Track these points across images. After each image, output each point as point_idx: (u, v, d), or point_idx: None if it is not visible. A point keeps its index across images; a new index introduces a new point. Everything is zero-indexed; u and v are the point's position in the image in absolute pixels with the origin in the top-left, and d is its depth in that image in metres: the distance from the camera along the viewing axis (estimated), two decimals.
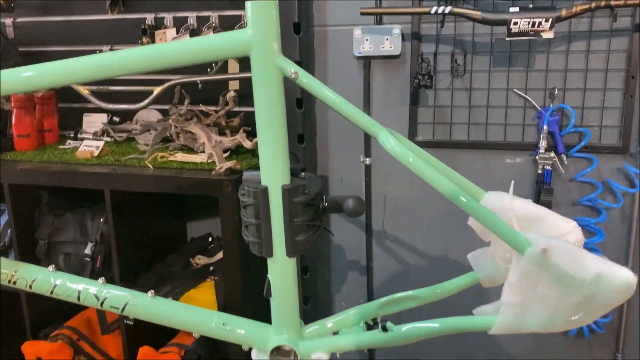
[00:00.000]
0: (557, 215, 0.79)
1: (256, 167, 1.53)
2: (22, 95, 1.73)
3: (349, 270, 1.84)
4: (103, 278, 0.77)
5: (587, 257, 0.64)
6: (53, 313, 1.72)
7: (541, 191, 1.49)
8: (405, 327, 0.77)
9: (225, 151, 1.53)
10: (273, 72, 0.71)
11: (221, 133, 1.65)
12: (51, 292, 0.75)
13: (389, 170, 1.69)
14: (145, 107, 1.63)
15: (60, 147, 1.77)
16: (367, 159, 1.71)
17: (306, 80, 0.73)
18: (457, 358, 1.77)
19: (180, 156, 1.60)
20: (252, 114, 1.61)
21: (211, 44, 0.75)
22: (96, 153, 1.65)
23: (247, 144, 1.59)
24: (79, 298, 0.74)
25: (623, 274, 0.64)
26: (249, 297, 1.55)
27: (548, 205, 1.47)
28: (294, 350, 0.76)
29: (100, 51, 1.87)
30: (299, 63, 1.23)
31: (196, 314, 0.76)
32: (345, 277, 1.84)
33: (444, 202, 1.36)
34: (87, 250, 1.59)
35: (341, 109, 0.72)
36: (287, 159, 0.73)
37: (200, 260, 1.76)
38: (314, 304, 1.81)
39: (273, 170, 0.73)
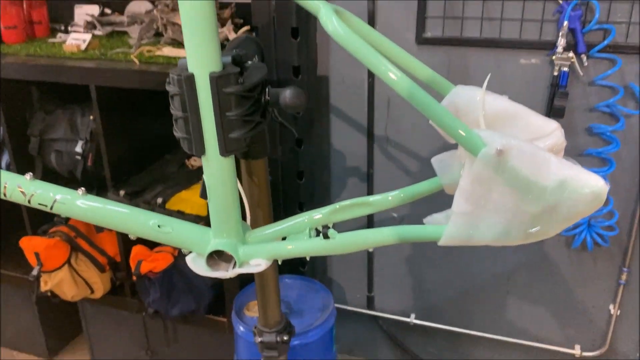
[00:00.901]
0: (536, 114, 0.68)
1: None
2: None
3: (348, 177, 1.77)
4: (31, 174, 0.72)
5: (552, 161, 0.55)
6: None
7: (555, 95, 1.36)
8: (349, 234, 0.70)
9: None
10: None
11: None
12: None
13: None
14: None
15: (50, 40, 1.70)
16: None
17: None
18: (461, 282, 1.73)
19: (167, 50, 1.51)
20: (246, 5, 1.48)
21: None
22: (83, 47, 1.57)
23: (232, 36, 1.48)
24: (5, 194, 0.70)
25: (591, 182, 0.54)
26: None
27: (561, 111, 1.34)
28: (232, 256, 0.71)
29: None
30: None
31: (131, 214, 0.71)
32: (345, 184, 1.78)
33: None
34: (78, 148, 1.56)
35: None
36: (216, 41, 0.63)
37: (196, 161, 1.72)
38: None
39: (199, 54, 0.64)
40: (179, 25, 1.50)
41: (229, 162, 0.67)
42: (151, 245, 1.61)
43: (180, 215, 1.46)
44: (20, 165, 1.64)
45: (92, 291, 1.68)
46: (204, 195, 0.70)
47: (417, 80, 0.65)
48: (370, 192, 1.74)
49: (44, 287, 1.64)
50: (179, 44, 1.54)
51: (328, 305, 1.49)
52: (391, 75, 0.58)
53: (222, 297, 1.59)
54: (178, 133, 0.65)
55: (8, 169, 1.69)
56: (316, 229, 0.74)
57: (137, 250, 1.56)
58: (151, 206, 1.50)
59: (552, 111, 1.34)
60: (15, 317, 1.93)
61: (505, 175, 0.55)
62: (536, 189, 0.54)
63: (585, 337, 1.66)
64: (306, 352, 1.37)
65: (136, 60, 1.46)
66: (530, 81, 1.43)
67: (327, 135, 1.71)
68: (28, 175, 0.71)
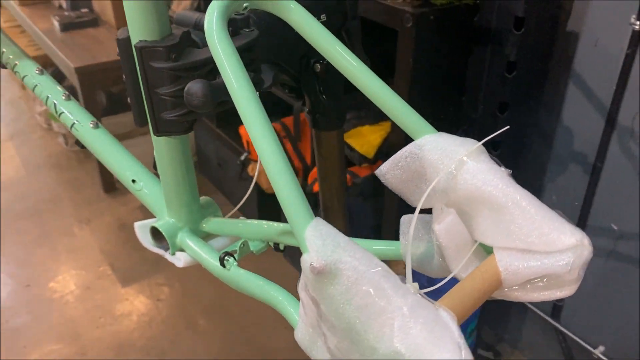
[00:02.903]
0: (546, 211, 0.39)
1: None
2: None
3: (569, 162, 1.43)
4: (65, 93, 0.77)
5: (396, 320, 0.31)
6: (274, 106, 1.85)
7: None
8: (241, 272, 0.56)
9: None
10: None
11: None
12: (33, 89, 0.80)
13: None
14: None
15: None
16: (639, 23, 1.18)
17: None
18: None
19: None
20: None
21: None
22: None
23: None
24: (46, 102, 0.78)
25: None
26: None
27: None
28: (166, 240, 0.65)
29: None
30: None
31: (115, 158, 0.70)
32: (563, 170, 1.45)
33: None
34: None
35: None
36: (158, 1, 0.52)
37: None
38: None
39: (134, 15, 0.54)
40: None
41: (172, 142, 0.60)
42: None
43: (348, 150, 1.42)
44: None
45: None
46: (154, 166, 0.65)
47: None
48: (591, 190, 1.38)
49: (250, 172, 1.84)
50: None
51: None
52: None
53: None
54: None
55: None
56: (274, 244, 0.63)
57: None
58: None
59: None
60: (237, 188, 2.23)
61: (326, 304, 0.35)
62: (363, 344, 0.33)
63: None
64: None
65: None
66: None
67: (557, 104, 1.38)
68: (64, 95, 0.77)
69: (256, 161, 1.80)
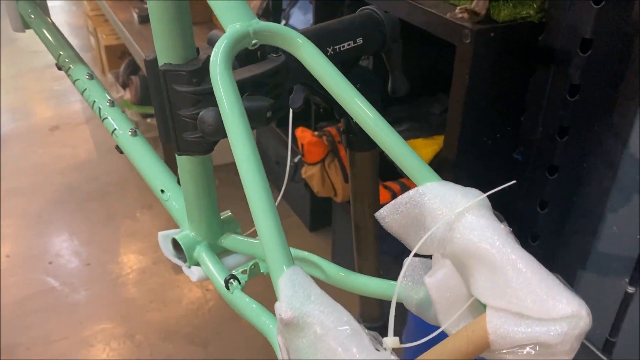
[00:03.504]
0: (546, 277, 0.35)
1: (505, 23, 1.19)
2: None
3: (634, 193, 1.35)
4: (110, 99, 0.80)
5: None
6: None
7: None
8: (242, 296, 0.56)
9: None
10: None
11: None
12: (82, 93, 0.83)
13: None
14: None
15: None
16: None
17: None
18: None
19: None
20: None
21: None
22: None
23: None
24: (92, 106, 0.81)
25: None
26: (463, 170, 1.34)
27: None
28: (184, 252, 0.66)
29: None
30: None
31: (152, 168, 0.72)
32: (628, 200, 1.36)
33: None
34: None
35: None
36: (185, 26, 0.53)
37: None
38: (553, 210, 1.43)
39: (160, 37, 0.55)
40: None
41: (191, 160, 0.60)
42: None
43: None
44: None
45: (335, 194, 1.82)
46: (179, 182, 0.66)
47: None
48: None
49: (302, 174, 1.85)
50: None
51: None
52: None
53: None
54: None
55: None
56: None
57: None
58: None
59: None
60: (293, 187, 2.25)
61: (294, 354, 0.34)
62: None
63: None
64: None
65: None
66: None
67: (624, 132, 1.30)
68: (108, 102, 0.80)
69: (309, 164, 1.82)
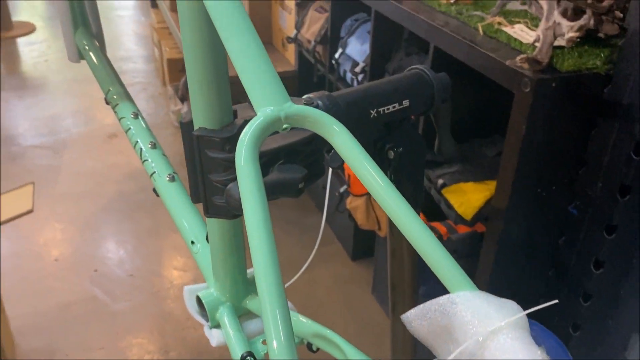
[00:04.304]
0: None
1: (571, 72, 1.13)
2: None
3: None
4: (152, 141, 0.79)
5: None
6: None
7: None
8: None
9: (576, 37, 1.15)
10: None
11: (580, 12, 1.23)
12: (126, 132, 0.83)
13: None
14: None
15: None
16: None
17: None
18: None
19: (517, 28, 1.31)
20: None
21: None
22: None
23: (607, 29, 1.17)
24: (134, 146, 0.80)
25: None
26: (514, 220, 1.28)
27: None
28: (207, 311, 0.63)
29: None
30: None
31: (185, 216, 0.70)
32: None
33: None
34: None
35: None
36: (223, 91, 0.50)
37: None
38: (609, 271, 1.34)
39: (197, 100, 0.53)
40: (540, 6, 1.25)
41: (220, 223, 0.58)
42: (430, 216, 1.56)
43: (446, 207, 1.35)
44: None
45: (379, 228, 1.78)
46: (207, 239, 0.64)
47: None
48: None
49: (347, 205, 1.83)
50: (536, 24, 1.30)
51: None
52: None
53: None
54: None
55: None
56: (307, 342, 0.60)
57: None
58: (432, 184, 1.43)
59: None
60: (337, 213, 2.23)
61: None
62: None
63: None
64: None
65: (480, 30, 1.32)
66: None
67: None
68: (150, 144, 0.79)
69: (355, 195, 1.79)
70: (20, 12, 4.96)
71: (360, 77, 1.83)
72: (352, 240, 2.15)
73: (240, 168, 0.39)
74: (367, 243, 2.13)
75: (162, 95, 3.50)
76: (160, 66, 3.52)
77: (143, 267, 2.17)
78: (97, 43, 0.92)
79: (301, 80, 2.44)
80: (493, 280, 1.37)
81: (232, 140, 0.53)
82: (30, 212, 1.59)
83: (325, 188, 2.25)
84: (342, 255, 2.22)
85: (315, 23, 2.07)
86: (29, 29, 4.55)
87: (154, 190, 0.78)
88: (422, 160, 0.69)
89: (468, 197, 1.36)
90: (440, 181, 1.41)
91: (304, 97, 0.61)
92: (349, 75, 1.91)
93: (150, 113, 3.33)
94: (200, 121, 0.54)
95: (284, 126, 0.42)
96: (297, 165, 0.51)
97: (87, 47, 0.91)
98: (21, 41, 4.41)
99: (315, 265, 2.12)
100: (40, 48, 4.25)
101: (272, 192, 0.48)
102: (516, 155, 1.21)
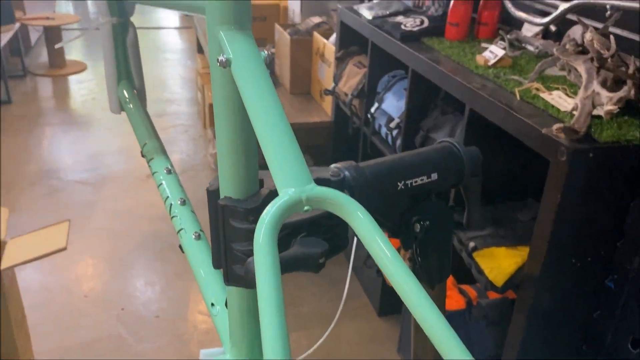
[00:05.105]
0: None
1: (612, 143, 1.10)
2: None
3: None
4: (182, 198, 0.80)
5: None
6: None
7: None
8: None
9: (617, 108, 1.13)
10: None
11: (620, 82, 1.22)
12: (158, 187, 0.84)
13: None
14: (543, 24, 1.33)
15: (483, 44, 1.68)
16: None
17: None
18: None
19: (555, 94, 1.30)
20: None
21: None
22: (491, 62, 1.50)
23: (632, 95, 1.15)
24: (165, 201, 0.81)
25: None
26: (546, 291, 1.24)
27: None
28: None
29: None
30: None
31: (208, 278, 0.70)
32: None
33: None
34: None
35: None
36: (248, 161, 0.51)
37: None
38: None
39: (226, 170, 0.53)
40: (579, 74, 1.24)
41: (237, 290, 0.58)
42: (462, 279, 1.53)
43: (477, 272, 1.32)
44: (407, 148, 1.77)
45: None
46: (226, 304, 0.63)
47: None
48: None
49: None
50: (575, 92, 1.29)
51: None
52: None
53: None
54: None
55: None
56: None
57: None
58: (463, 246, 1.40)
59: None
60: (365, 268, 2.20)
61: None
62: None
63: None
64: None
65: (517, 95, 1.31)
66: None
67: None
68: (180, 200, 0.80)
69: None
70: (73, 52, 5.20)
71: (395, 132, 1.84)
72: (380, 295, 2.12)
73: (258, 246, 0.39)
74: (395, 299, 2.08)
75: (202, 138, 3.58)
76: (202, 110, 3.62)
77: (169, 309, 2.17)
78: (137, 97, 0.95)
79: (336, 131, 2.47)
80: (523, 351, 1.32)
81: (256, 212, 0.53)
82: (63, 249, 1.63)
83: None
84: (368, 310, 2.18)
85: (353, 77, 2.10)
86: (80, 67, 4.76)
87: (180, 246, 0.79)
88: (450, 235, 0.68)
89: (499, 263, 1.32)
90: (472, 244, 1.38)
91: (332, 166, 0.61)
92: (383, 130, 1.91)
93: (190, 154, 3.40)
94: (227, 190, 0.55)
95: (305, 208, 0.42)
96: (319, 238, 0.51)
97: (128, 100, 0.94)
98: (72, 79, 4.61)
99: (341, 319, 2.08)
100: (89, 86, 4.43)
101: (292, 267, 0.48)
102: (551, 224, 1.18)
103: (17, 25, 4.36)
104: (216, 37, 0.49)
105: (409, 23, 1.77)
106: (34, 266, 2.29)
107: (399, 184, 0.62)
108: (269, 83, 0.46)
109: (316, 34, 2.65)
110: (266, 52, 0.50)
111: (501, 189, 1.55)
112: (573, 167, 1.11)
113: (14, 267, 1.74)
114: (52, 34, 4.61)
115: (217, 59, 0.48)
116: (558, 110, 1.23)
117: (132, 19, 0.99)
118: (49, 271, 2.33)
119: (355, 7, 2.08)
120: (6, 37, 4.01)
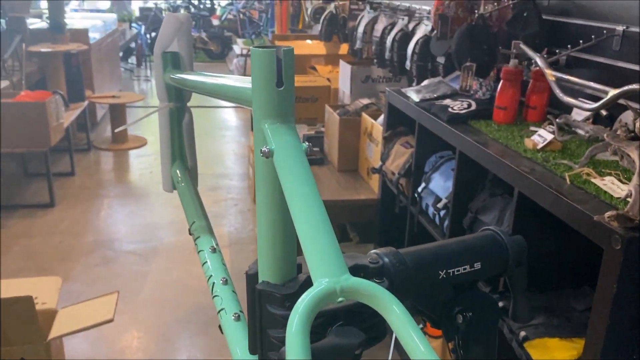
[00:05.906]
0: None
1: None
2: (513, 67, 1.70)
3: None
4: (224, 277, 0.80)
5: None
6: None
7: None
8: None
9: None
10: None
11: None
12: (202, 265, 0.85)
13: None
14: (592, 110, 1.32)
15: (532, 128, 1.67)
16: None
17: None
18: None
19: (607, 180, 1.27)
20: None
21: None
22: (540, 145, 1.49)
23: None
24: (208, 280, 0.82)
25: None
26: None
27: None
28: None
29: None
30: None
31: (235, 337, 0.69)
32: None
33: None
34: None
35: None
36: (287, 247, 0.51)
37: None
38: None
39: (265, 255, 0.54)
40: (632, 160, 1.22)
41: None
42: None
43: None
44: (455, 232, 1.74)
45: None
46: None
47: None
48: None
49: None
50: (628, 178, 1.26)
51: None
52: None
53: None
54: None
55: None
56: None
57: None
58: (513, 335, 1.34)
59: None
60: None
61: None
62: None
63: None
64: None
65: (567, 179, 1.29)
66: None
67: None
68: (222, 280, 0.81)
69: (431, 337, 1.70)
70: (135, 127, 5.49)
71: (442, 212, 1.82)
72: None
73: (290, 335, 0.39)
74: None
75: (251, 212, 3.65)
76: (253, 185, 3.71)
77: None
78: (189, 176, 1.00)
79: (383, 209, 2.46)
80: None
81: (293, 298, 0.53)
82: (110, 321, 1.65)
83: None
84: None
85: (401, 157, 2.12)
86: (140, 142, 5.00)
87: (220, 327, 0.79)
88: (495, 326, 0.66)
89: (553, 355, 1.25)
90: (523, 333, 1.32)
91: (371, 252, 0.61)
92: (431, 210, 1.90)
93: (238, 228, 3.46)
94: (265, 274, 0.56)
95: (339, 299, 0.42)
96: (356, 328, 0.50)
97: (180, 180, 0.98)
98: (132, 153, 4.84)
99: None
100: (148, 160, 4.64)
101: (326, 357, 0.48)
102: (607, 316, 1.12)
103: (86, 103, 4.67)
104: (261, 129, 0.51)
105: (456, 106, 1.79)
106: (81, 336, 2.32)
107: (440, 272, 0.61)
108: (308, 174, 0.48)
109: (364, 114, 2.71)
110: (307, 144, 0.52)
111: (554, 275, 1.49)
112: (628, 256, 1.06)
113: (62, 337, 1.77)
114: (117, 112, 4.90)
115: (261, 150, 0.51)
116: (611, 196, 1.20)
117: (190, 102, 1.05)
118: (95, 341, 2.35)
119: (403, 89, 2.13)
120: (75, 114, 4.29)
